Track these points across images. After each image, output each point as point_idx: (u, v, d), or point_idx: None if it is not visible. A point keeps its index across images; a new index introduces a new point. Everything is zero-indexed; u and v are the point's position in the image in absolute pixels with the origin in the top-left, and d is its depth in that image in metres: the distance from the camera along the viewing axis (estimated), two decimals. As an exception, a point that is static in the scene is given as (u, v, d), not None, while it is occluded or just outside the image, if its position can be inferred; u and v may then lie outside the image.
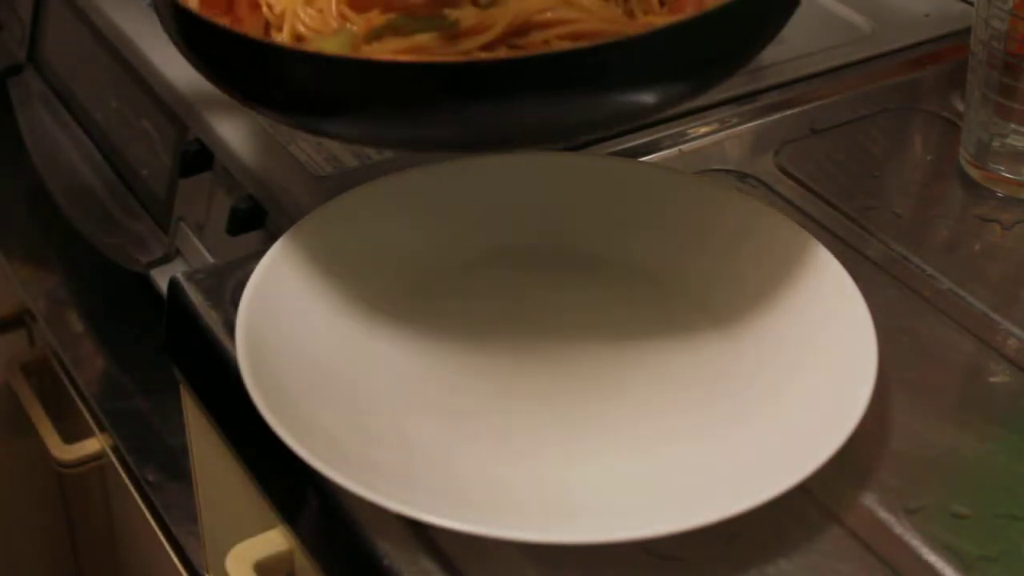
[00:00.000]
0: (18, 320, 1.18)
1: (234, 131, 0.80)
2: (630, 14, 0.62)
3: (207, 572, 0.81)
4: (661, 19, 0.62)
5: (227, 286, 0.66)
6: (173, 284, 0.67)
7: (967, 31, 0.74)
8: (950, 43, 0.87)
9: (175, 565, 0.88)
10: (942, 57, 0.86)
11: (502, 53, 0.60)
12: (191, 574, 0.87)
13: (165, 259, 0.91)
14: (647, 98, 0.59)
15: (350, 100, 0.58)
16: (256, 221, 0.79)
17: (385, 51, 0.60)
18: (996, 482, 0.58)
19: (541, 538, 0.52)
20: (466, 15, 0.60)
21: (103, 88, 0.99)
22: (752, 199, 0.70)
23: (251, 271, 0.63)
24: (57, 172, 1.04)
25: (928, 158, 0.79)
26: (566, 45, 0.60)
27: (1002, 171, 0.74)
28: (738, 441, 0.58)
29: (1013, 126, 0.72)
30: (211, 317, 0.65)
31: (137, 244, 0.93)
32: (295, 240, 0.65)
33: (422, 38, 0.60)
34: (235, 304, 0.62)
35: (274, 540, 0.63)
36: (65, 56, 1.06)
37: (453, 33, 0.60)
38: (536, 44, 0.60)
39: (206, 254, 0.86)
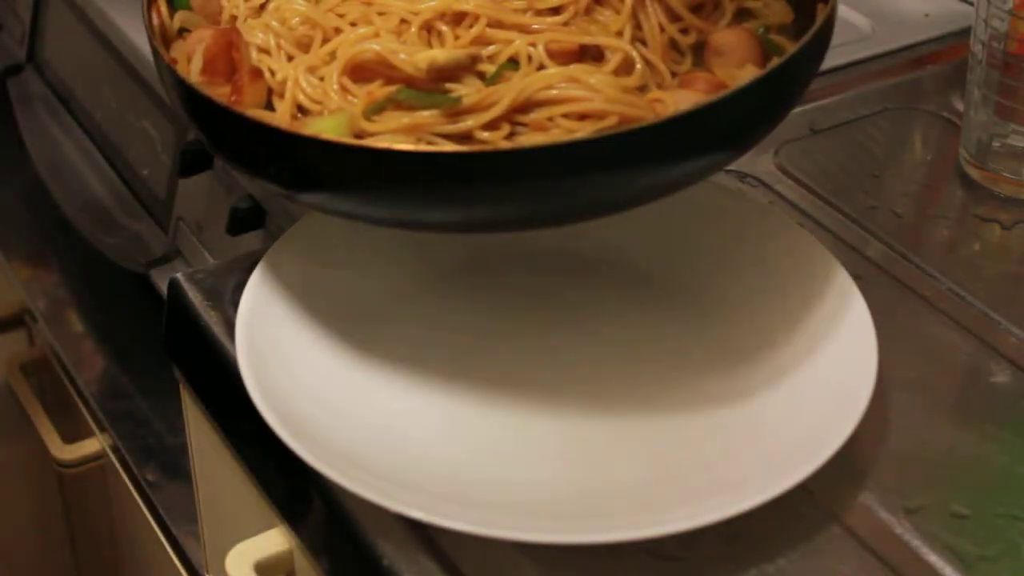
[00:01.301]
0: (18, 320, 1.18)
1: (234, 131, 0.80)
2: (641, 87, 0.61)
3: (207, 572, 0.81)
4: (670, 96, 0.60)
5: (227, 286, 0.66)
6: (173, 284, 0.67)
7: (967, 31, 0.74)
8: (950, 43, 0.87)
9: (175, 565, 0.88)
10: (942, 57, 0.86)
11: (505, 130, 0.59)
12: (191, 574, 0.87)
13: (165, 259, 0.91)
14: (655, 182, 0.58)
15: (346, 182, 0.57)
16: (256, 221, 0.79)
17: (386, 127, 0.59)
18: (996, 482, 0.58)
19: (541, 538, 0.52)
20: (469, 91, 0.59)
21: (103, 88, 0.99)
22: (752, 199, 0.70)
23: (251, 271, 0.63)
24: (57, 172, 1.04)
25: (928, 158, 0.79)
26: (570, 124, 0.59)
27: (1002, 171, 0.74)
28: (738, 441, 0.58)
29: (1013, 126, 0.72)
30: (211, 317, 0.65)
31: (137, 244, 0.93)
32: (295, 240, 0.65)
33: (424, 115, 0.59)
34: (235, 304, 0.62)
35: (274, 540, 0.63)
36: (65, 56, 1.06)
37: (456, 110, 0.59)
38: (540, 122, 0.59)
39: (206, 254, 0.86)
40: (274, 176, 0.59)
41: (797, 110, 0.80)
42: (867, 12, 0.90)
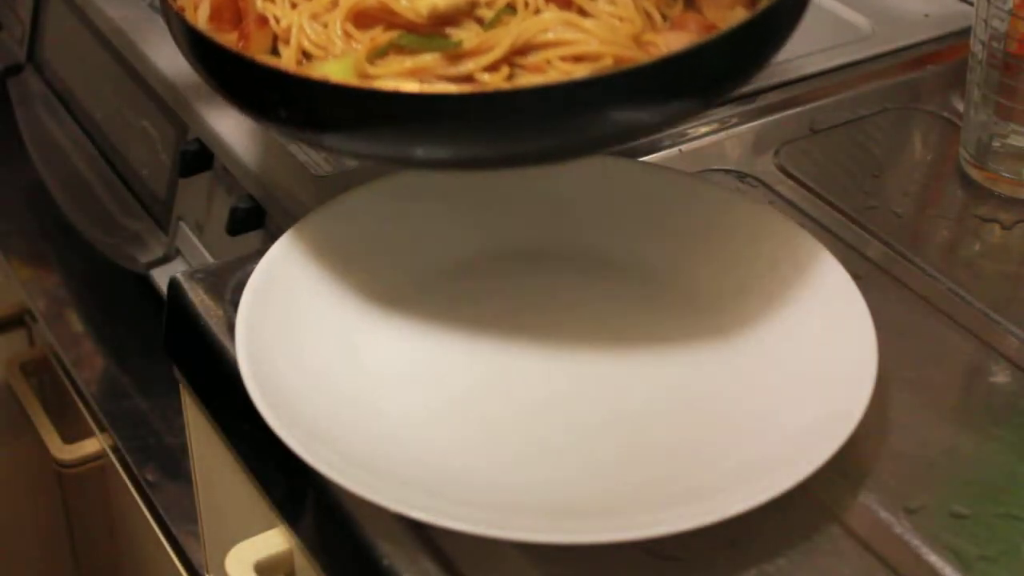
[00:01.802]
0: (18, 320, 1.18)
1: (234, 131, 0.80)
2: (635, 30, 0.63)
3: (207, 572, 0.81)
4: (662, 38, 0.62)
5: (227, 286, 0.66)
6: (173, 284, 0.67)
7: (967, 31, 0.74)
8: (950, 43, 0.87)
9: (175, 565, 0.88)
10: (942, 57, 0.86)
11: (505, 72, 0.61)
12: (191, 574, 0.87)
13: (165, 259, 0.91)
14: (644, 120, 0.60)
15: (354, 123, 0.59)
16: (256, 221, 0.79)
17: (389, 71, 0.61)
18: (996, 482, 0.58)
19: (541, 538, 0.52)
20: (469, 36, 0.61)
21: (103, 88, 0.99)
22: (752, 200, 0.70)
23: (251, 271, 0.63)
24: (57, 172, 1.04)
25: (928, 158, 0.79)
26: (566, 67, 0.61)
27: (1002, 171, 0.74)
28: (738, 441, 0.58)
29: (1013, 126, 0.72)
30: (211, 317, 0.65)
31: (137, 244, 0.93)
32: (295, 240, 0.65)
33: (426, 58, 0.61)
34: (235, 304, 0.62)
35: (274, 540, 0.63)
36: (65, 56, 1.06)
37: (456, 54, 0.61)
38: (538, 64, 0.61)
39: (206, 254, 0.86)
40: (284, 119, 0.60)
41: (797, 110, 0.81)
42: (867, 12, 0.90)
